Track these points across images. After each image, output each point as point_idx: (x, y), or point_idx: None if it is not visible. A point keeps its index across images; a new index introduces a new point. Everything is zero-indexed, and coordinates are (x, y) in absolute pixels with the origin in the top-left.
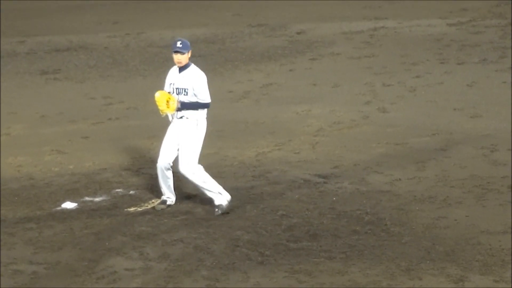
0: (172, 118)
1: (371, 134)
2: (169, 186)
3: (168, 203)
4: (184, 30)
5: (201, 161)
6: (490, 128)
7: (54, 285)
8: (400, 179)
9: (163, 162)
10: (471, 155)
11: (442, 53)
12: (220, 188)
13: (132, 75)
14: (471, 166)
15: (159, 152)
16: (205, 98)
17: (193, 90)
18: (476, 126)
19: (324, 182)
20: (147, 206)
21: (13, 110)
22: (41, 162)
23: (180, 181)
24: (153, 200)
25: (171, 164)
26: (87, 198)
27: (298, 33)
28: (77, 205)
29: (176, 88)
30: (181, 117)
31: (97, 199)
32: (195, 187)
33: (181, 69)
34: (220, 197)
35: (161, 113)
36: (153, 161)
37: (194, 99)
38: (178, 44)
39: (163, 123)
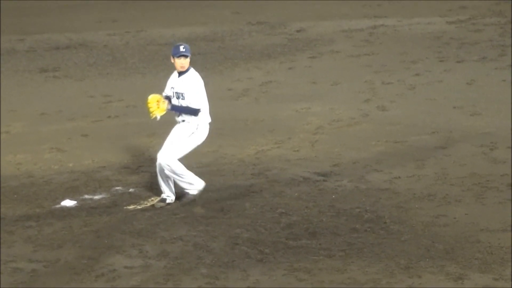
0: (159, 118)
1: (370, 132)
2: (168, 184)
3: (167, 201)
4: (183, 28)
5: (201, 159)
6: (489, 126)
7: (54, 283)
8: (399, 177)
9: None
10: (470, 153)
11: (442, 51)
12: (192, 178)
13: (132, 73)
14: (470, 164)
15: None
16: (196, 103)
17: (188, 94)
18: (476, 124)
19: (324, 180)
20: (146, 204)
21: (12, 108)
22: (41, 160)
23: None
24: (152, 198)
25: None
26: (86, 196)
27: (298, 31)
28: (77, 203)
29: (176, 92)
30: (183, 121)
31: (96, 197)
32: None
33: (181, 73)
34: (190, 186)
35: (151, 115)
36: (152, 159)
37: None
38: (182, 48)
39: (163, 121)
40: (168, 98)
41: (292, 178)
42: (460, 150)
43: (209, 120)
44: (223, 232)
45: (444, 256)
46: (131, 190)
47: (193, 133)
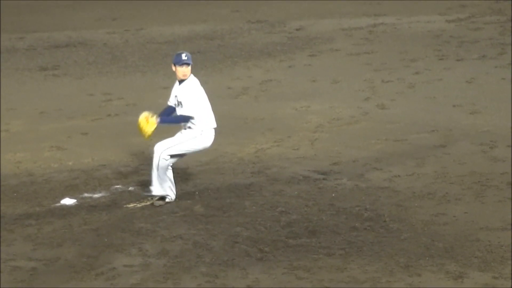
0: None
1: (370, 131)
2: (169, 185)
3: (167, 200)
4: (183, 27)
5: (200, 157)
6: (489, 125)
7: (53, 281)
8: (399, 176)
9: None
10: (470, 152)
11: (441, 50)
12: (169, 189)
13: (131, 71)
14: (470, 162)
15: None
16: (189, 111)
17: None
18: (475, 122)
19: (323, 179)
20: (146, 203)
21: (12, 106)
22: (40, 158)
23: (180, 178)
24: (152, 196)
25: (172, 164)
26: (86, 195)
27: (297, 30)
28: (76, 201)
29: (178, 101)
30: (189, 127)
31: (96, 196)
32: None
33: (181, 81)
34: (160, 188)
35: (145, 137)
36: (152, 158)
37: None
38: (184, 56)
39: None
40: (171, 108)
41: (292, 176)
42: (460, 149)
43: (214, 125)
44: (222, 231)
45: (444, 254)
46: (130, 188)
47: (195, 137)
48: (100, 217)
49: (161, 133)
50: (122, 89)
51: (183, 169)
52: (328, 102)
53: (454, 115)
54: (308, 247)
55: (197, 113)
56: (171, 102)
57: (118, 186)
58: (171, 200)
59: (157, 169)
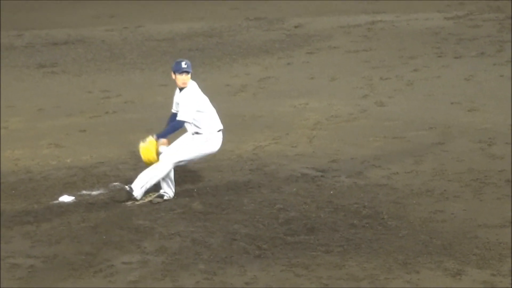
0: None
1: (368, 128)
2: (168, 183)
3: (165, 197)
4: (181, 24)
5: None
6: (487, 122)
7: (52, 278)
8: (397, 173)
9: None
10: (468, 149)
11: (440, 47)
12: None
13: (130, 69)
14: (468, 159)
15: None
16: (181, 115)
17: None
18: (474, 119)
19: (322, 176)
20: (144, 200)
21: (10, 103)
22: (39, 156)
23: (178, 175)
24: (150, 194)
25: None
26: (84, 192)
27: (296, 27)
28: (75, 198)
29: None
30: (196, 133)
31: (94, 193)
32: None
33: (182, 88)
34: (142, 188)
35: (154, 161)
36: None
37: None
38: (183, 64)
39: (160, 116)
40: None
41: (290, 174)
42: (458, 146)
43: (220, 127)
44: (221, 228)
45: (442, 251)
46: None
47: (202, 142)
48: (98, 215)
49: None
50: (120, 86)
51: (181, 167)
52: (327, 99)
53: (452, 113)
54: (307, 244)
55: (188, 117)
56: (174, 109)
57: (116, 183)
58: (169, 198)
59: (154, 171)
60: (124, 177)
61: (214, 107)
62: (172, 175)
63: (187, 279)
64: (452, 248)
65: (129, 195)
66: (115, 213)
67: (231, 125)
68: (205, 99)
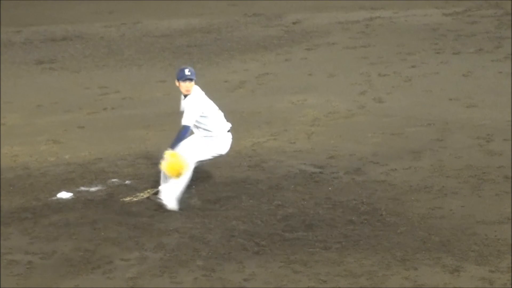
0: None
1: (366, 124)
2: (169, 182)
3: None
4: (179, 20)
5: None
6: (486, 118)
7: (50, 275)
8: (395, 169)
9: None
10: (467, 145)
11: (438, 43)
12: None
13: (128, 65)
14: (467, 156)
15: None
16: (184, 120)
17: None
18: (472, 116)
19: (320, 172)
20: (142, 196)
21: (8, 99)
22: (37, 152)
23: None
24: (148, 190)
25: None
26: (82, 188)
27: (294, 23)
28: (73, 195)
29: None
30: (204, 136)
31: (92, 189)
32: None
33: (186, 95)
34: (169, 196)
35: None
36: (149, 151)
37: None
38: (187, 72)
39: (159, 113)
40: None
41: (289, 170)
42: (457, 142)
43: (228, 127)
44: (219, 224)
45: (440, 248)
46: (127, 182)
47: (211, 144)
48: (97, 211)
49: None
50: (118, 82)
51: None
52: (325, 95)
53: (450, 109)
54: (305, 241)
55: (190, 122)
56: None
57: (114, 179)
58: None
59: (187, 179)
60: (123, 173)
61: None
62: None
63: (185, 276)
64: (450, 244)
65: (157, 192)
66: (114, 209)
67: (229, 121)
68: (209, 103)
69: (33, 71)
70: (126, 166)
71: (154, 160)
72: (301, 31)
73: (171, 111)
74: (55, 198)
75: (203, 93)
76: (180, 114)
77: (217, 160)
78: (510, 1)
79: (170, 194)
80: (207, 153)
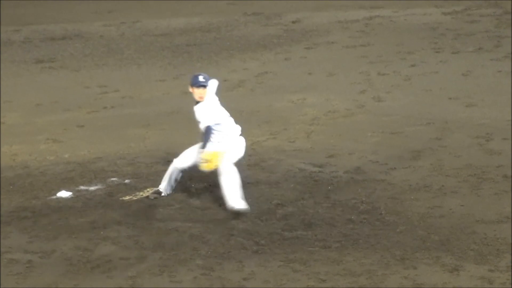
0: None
1: (366, 123)
2: (171, 182)
3: (162, 194)
4: (179, 19)
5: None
6: (485, 117)
7: (49, 274)
8: (395, 168)
9: (180, 164)
10: (466, 144)
11: (437, 42)
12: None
13: (127, 64)
14: (466, 155)
15: (181, 153)
16: (204, 123)
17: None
18: (472, 115)
19: (319, 171)
20: (142, 195)
21: (8, 98)
22: (36, 151)
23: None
24: (148, 189)
25: (186, 169)
26: (82, 187)
27: (294, 22)
28: (72, 194)
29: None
30: (219, 142)
31: (92, 188)
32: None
33: (198, 101)
34: (235, 199)
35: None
36: (148, 150)
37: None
38: (201, 78)
39: (158, 112)
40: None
41: (288, 169)
42: (456, 141)
43: (239, 131)
44: (218, 223)
45: (440, 247)
46: (126, 181)
47: (231, 149)
48: (96, 210)
49: None
50: (118, 81)
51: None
52: (324, 94)
53: (450, 108)
54: (304, 240)
55: (211, 122)
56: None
57: (114, 178)
58: (165, 195)
59: (231, 181)
60: (122, 172)
61: None
62: (179, 177)
63: (184, 275)
64: (449, 243)
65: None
66: (113, 208)
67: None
68: (221, 110)
69: (32, 70)
70: (126, 165)
71: (154, 159)
72: (301, 30)
73: (171, 110)
74: (54, 197)
75: (217, 101)
76: (193, 120)
77: None
78: (510, 0)
79: (234, 197)
80: (232, 159)
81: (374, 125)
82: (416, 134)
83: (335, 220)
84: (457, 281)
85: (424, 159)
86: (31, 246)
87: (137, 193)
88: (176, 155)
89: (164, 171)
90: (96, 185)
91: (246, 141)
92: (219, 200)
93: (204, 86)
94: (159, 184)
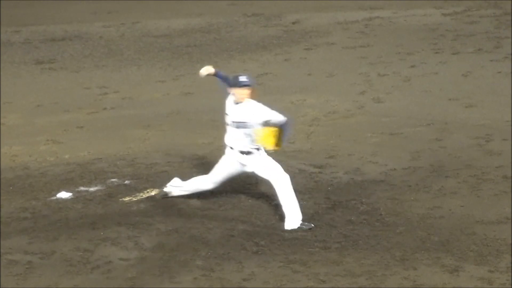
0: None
1: (366, 124)
2: (184, 192)
3: (168, 195)
4: (179, 20)
5: (196, 151)
6: (485, 118)
7: (49, 274)
8: (395, 169)
9: (208, 185)
10: (466, 145)
11: (437, 43)
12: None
13: (127, 65)
14: (466, 156)
15: (212, 171)
16: (279, 117)
17: (261, 120)
18: (471, 116)
19: (319, 172)
20: (142, 196)
21: (8, 99)
22: (36, 152)
23: (176, 172)
24: (148, 190)
25: (209, 189)
26: (82, 188)
27: (293, 23)
28: (72, 195)
29: (233, 121)
30: (245, 152)
31: (92, 189)
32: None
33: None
34: (294, 216)
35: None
36: (148, 151)
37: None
38: (245, 78)
39: (158, 113)
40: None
41: (288, 170)
42: (456, 142)
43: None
44: (218, 224)
45: (440, 248)
46: (126, 182)
47: (261, 156)
48: (96, 211)
49: None
50: (118, 82)
51: (179, 163)
52: (324, 95)
53: (449, 109)
54: (304, 241)
55: (281, 116)
56: (228, 119)
57: (114, 179)
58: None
59: (286, 193)
60: (122, 173)
61: (212, 103)
62: (198, 189)
63: (184, 276)
64: (449, 244)
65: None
66: (113, 209)
67: None
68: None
69: (32, 71)
70: (126, 166)
71: (154, 160)
72: (300, 31)
73: (171, 111)
74: (54, 198)
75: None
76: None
77: (216, 160)
78: (510, 1)
79: (292, 213)
80: (272, 162)
81: (374, 126)
82: (416, 135)
83: (335, 221)
84: (457, 282)
85: (423, 160)
86: (31, 247)
87: (137, 194)
88: (176, 155)
89: (164, 171)
90: (96, 186)
91: None
92: (220, 201)
93: (249, 86)
94: (159, 184)
